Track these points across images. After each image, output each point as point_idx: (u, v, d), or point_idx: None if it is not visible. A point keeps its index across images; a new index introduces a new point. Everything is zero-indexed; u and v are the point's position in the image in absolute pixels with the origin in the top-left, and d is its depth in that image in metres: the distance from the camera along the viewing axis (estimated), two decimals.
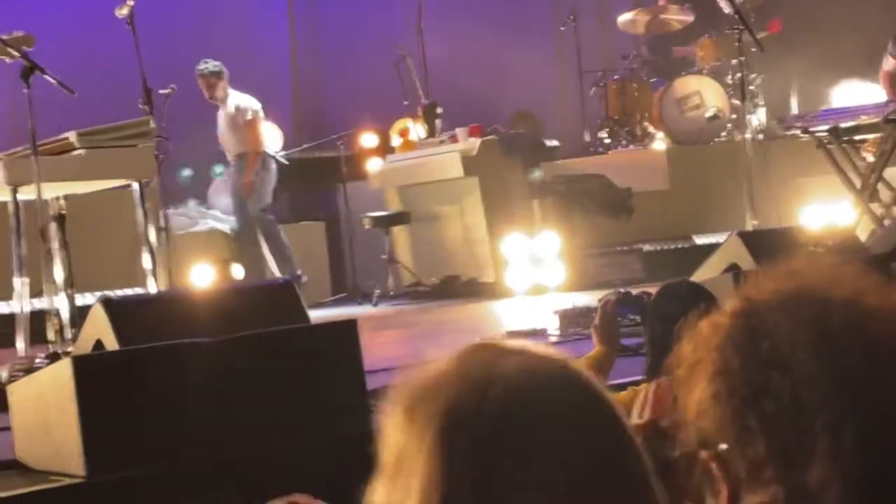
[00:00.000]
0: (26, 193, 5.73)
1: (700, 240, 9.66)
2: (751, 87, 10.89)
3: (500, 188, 9.40)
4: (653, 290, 3.98)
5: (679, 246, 9.82)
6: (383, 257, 9.77)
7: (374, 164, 10.48)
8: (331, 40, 12.58)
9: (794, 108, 10.89)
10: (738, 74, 9.24)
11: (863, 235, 7.16)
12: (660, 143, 10.98)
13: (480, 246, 9.46)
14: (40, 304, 5.91)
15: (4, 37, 5.91)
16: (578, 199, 9.68)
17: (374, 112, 11.20)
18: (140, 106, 7.09)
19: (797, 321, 1.21)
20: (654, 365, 3.40)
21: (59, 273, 6.09)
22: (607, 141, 11.25)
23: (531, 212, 9.48)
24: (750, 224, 7.79)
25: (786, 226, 7.88)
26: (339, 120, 11.35)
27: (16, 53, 5.76)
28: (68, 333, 5.99)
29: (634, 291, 4.75)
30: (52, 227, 6.12)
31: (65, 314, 6.10)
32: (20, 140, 5.87)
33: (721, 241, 6.25)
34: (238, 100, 9.74)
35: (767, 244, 5.81)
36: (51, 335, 5.67)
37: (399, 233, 10.07)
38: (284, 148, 10.66)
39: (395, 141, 10.54)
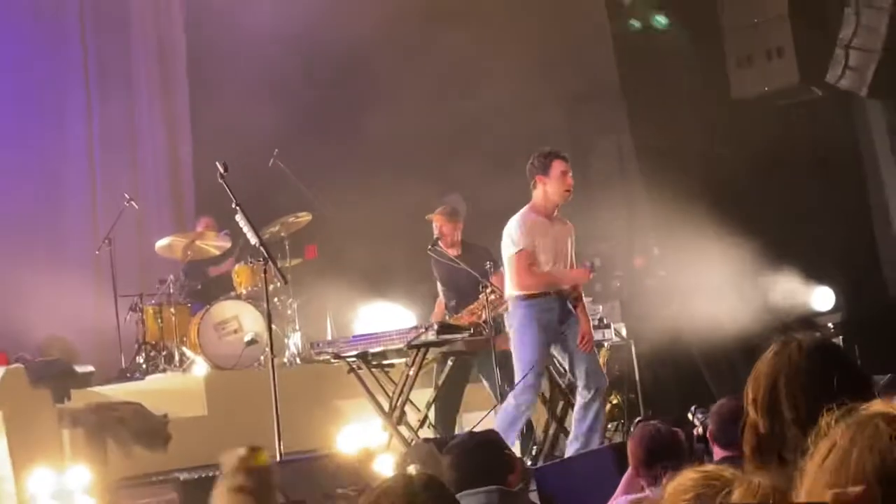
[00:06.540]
0: None
1: None
2: (288, 312, 11.10)
3: (26, 420, 8.90)
4: None
5: (218, 473, 9.62)
6: None
7: None
8: None
9: (330, 333, 11.12)
10: (276, 300, 9.35)
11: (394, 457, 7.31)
12: (200, 367, 10.85)
13: (4, 484, 8.85)
14: None
15: None
16: (112, 428, 9.32)
17: None
18: None
19: None
20: None
21: None
22: (144, 366, 11.01)
23: (61, 444, 9.01)
24: (278, 448, 7.80)
25: (319, 452, 7.93)
26: None
27: None
28: None
29: None
30: None
31: None
32: None
33: None
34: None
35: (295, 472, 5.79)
36: None
37: None
38: None
39: None
